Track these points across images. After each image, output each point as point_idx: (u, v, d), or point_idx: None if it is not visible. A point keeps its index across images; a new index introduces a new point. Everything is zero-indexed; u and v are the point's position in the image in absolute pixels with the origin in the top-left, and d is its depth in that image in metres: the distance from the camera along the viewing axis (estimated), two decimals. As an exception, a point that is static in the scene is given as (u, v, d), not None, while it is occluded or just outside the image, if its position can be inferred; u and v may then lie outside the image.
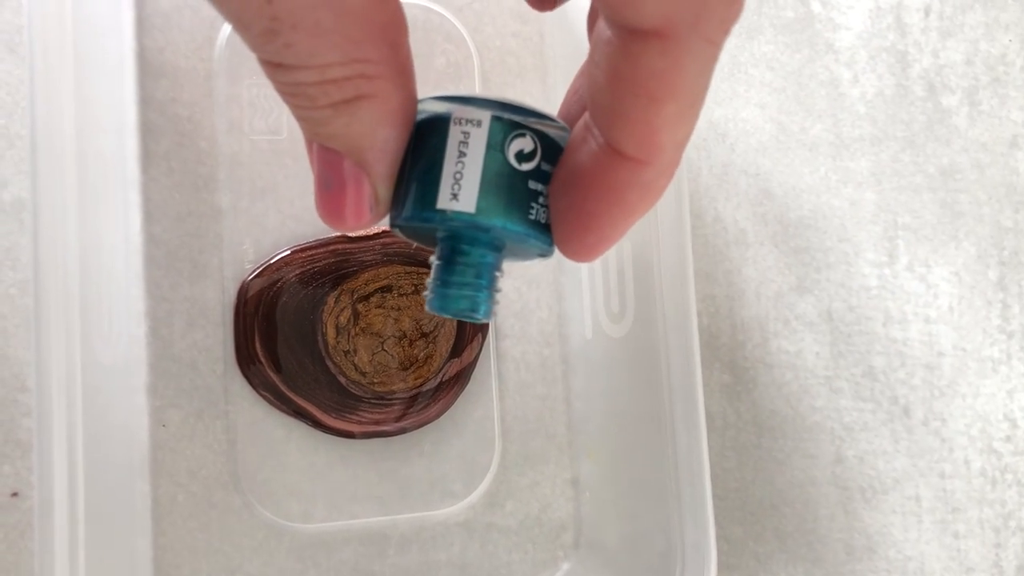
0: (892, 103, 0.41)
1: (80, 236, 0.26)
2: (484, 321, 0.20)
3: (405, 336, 0.36)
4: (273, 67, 0.16)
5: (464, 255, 0.20)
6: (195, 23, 0.34)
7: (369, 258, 0.35)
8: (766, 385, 0.39)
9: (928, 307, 0.40)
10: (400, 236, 0.20)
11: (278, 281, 0.34)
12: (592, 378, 0.36)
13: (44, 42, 0.25)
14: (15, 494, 0.32)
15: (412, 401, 0.36)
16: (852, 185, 0.40)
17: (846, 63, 0.41)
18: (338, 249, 0.35)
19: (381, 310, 0.35)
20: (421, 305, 0.36)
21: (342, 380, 0.35)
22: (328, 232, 0.35)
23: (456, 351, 0.36)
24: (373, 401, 0.35)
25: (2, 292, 0.32)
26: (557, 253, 0.20)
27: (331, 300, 0.35)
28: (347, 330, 0.35)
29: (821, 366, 0.39)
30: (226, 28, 0.35)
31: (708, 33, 0.16)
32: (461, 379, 0.36)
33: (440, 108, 0.19)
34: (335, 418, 0.35)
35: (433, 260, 0.20)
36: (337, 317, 0.35)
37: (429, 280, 0.20)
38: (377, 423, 0.35)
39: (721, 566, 0.38)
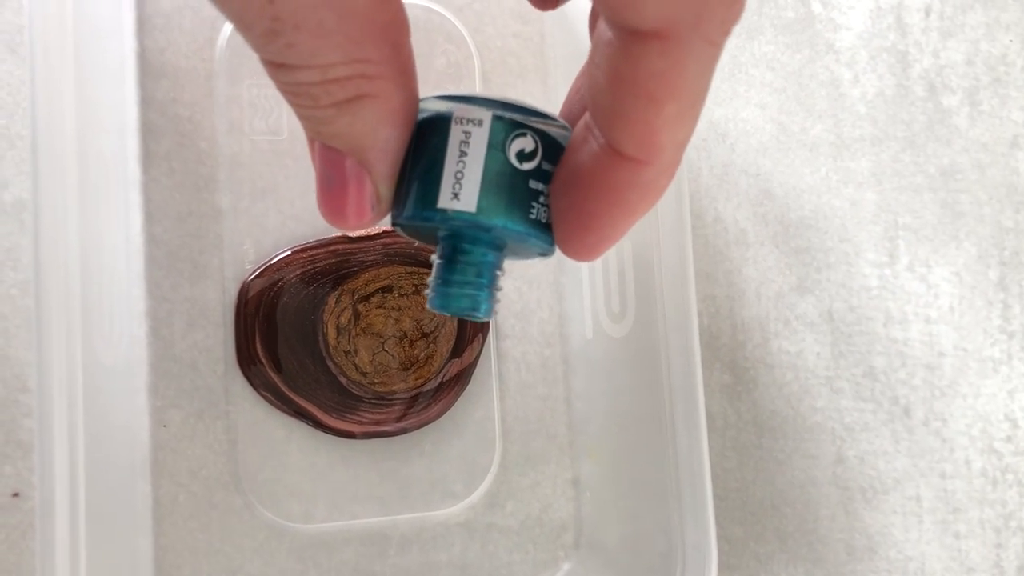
0: (893, 103, 0.41)
1: (81, 237, 0.26)
2: (485, 320, 0.20)
3: (406, 336, 0.36)
4: (275, 67, 0.16)
5: (465, 254, 0.20)
6: (196, 24, 0.34)
7: (370, 258, 0.35)
8: (767, 385, 0.39)
9: (929, 307, 0.40)
10: (402, 235, 0.21)
11: (279, 281, 0.34)
12: (593, 378, 0.36)
13: (45, 43, 0.25)
14: (16, 494, 0.32)
15: (413, 401, 0.36)
16: (853, 185, 0.40)
17: (847, 63, 0.41)
18: (339, 249, 0.35)
19: (382, 310, 0.35)
20: (422, 305, 0.36)
21: (343, 380, 0.35)
22: (329, 232, 0.35)
23: (457, 351, 0.36)
24: (374, 401, 0.35)
25: (3, 293, 0.32)
26: (558, 252, 0.20)
27: (332, 300, 0.35)
28: (348, 330, 0.35)
29: (822, 366, 0.39)
30: (227, 29, 0.35)
31: (708, 34, 0.16)
32: (462, 379, 0.36)
33: (442, 107, 0.19)
34: (336, 418, 0.35)
35: (434, 259, 0.20)
36: (338, 317, 0.35)
37: (430, 279, 0.20)
38: (378, 423, 0.35)
39: (722, 566, 0.38)
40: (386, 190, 0.19)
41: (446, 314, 0.20)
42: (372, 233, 0.35)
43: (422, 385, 0.36)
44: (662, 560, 0.31)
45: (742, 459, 0.39)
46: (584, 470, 0.37)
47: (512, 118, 0.19)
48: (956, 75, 0.41)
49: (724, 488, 0.39)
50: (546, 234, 0.19)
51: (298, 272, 0.34)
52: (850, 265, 0.40)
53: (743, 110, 0.40)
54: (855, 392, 0.40)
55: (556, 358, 0.37)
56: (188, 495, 0.34)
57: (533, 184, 0.19)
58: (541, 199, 0.19)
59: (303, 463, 0.35)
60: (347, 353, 0.35)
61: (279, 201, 0.35)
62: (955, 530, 0.40)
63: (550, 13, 0.37)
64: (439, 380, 0.36)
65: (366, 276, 0.35)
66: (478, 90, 0.37)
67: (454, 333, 0.36)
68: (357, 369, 0.35)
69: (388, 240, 0.35)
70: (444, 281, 0.20)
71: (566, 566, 0.37)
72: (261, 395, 0.34)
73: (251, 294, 0.34)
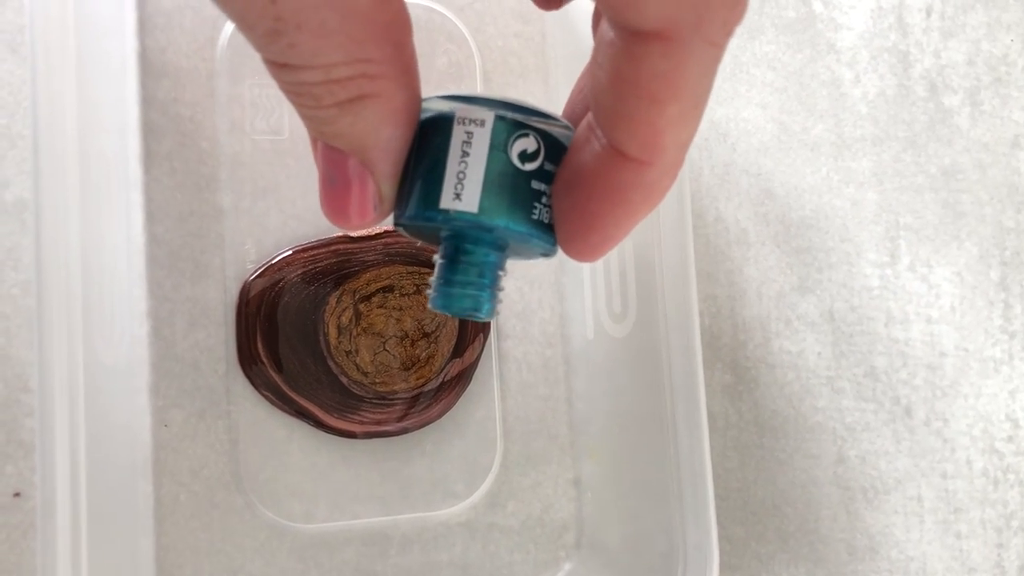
0: (894, 103, 0.41)
1: (82, 236, 0.26)
2: (487, 320, 0.20)
3: (407, 336, 0.36)
4: (278, 67, 0.16)
5: (467, 254, 0.20)
6: (197, 23, 0.34)
7: (371, 258, 0.35)
8: (768, 385, 0.39)
9: (930, 307, 0.40)
10: (404, 234, 0.21)
11: (280, 281, 0.34)
12: (594, 378, 0.36)
13: (46, 42, 0.25)
14: (17, 494, 0.32)
15: (414, 401, 0.36)
16: (854, 185, 0.40)
17: (848, 63, 0.41)
18: (340, 249, 0.35)
19: (383, 310, 0.35)
20: (423, 305, 0.36)
21: (344, 380, 0.35)
22: (330, 232, 0.35)
23: (458, 351, 0.36)
24: (375, 401, 0.35)
25: (4, 292, 0.32)
26: (560, 253, 0.20)
27: (333, 300, 0.35)
28: (349, 330, 0.35)
29: (823, 366, 0.39)
30: (228, 28, 0.35)
31: (710, 35, 0.16)
32: (463, 379, 0.36)
33: (444, 107, 0.19)
34: (337, 418, 0.35)
35: (436, 259, 0.20)
36: (339, 317, 0.35)
37: (432, 279, 0.20)
38: (379, 423, 0.35)
39: (723, 566, 0.38)
40: (389, 190, 0.19)
41: (448, 314, 0.20)
42: (373, 233, 0.35)
43: (423, 385, 0.36)
44: (663, 560, 0.31)
45: (743, 459, 0.39)
46: (585, 470, 0.37)
47: (514, 118, 0.19)
48: (957, 75, 0.41)
49: (725, 488, 0.39)
50: (548, 234, 0.19)
51: (299, 272, 0.34)
52: (851, 265, 0.40)
53: (744, 110, 0.40)
54: (856, 392, 0.40)
55: (557, 358, 0.37)
56: (189, 495, 0.34)
57: (535, 184, 0.19)
58: (543, 199, 0.19)
59: (304, 463, 0.35)
60: (348, 353, 0.35)
61: (280, 201, 0.35)
62: (956, 530, 0.40)
63: (551, 13, 0.37)
64: (440, 380, 0.36)
65: (367, 276, 0.35)
66: (479, 90, 0.37)
67: (455, 333, 0.36)
68: (358, 369, 0.35)
69: (389, 240, 0.35)
70: (446, 281, 0.20)
71: (567, 566, 0.37)
72: (262, 395, 0.34)
73: (252, 294, 0.34)
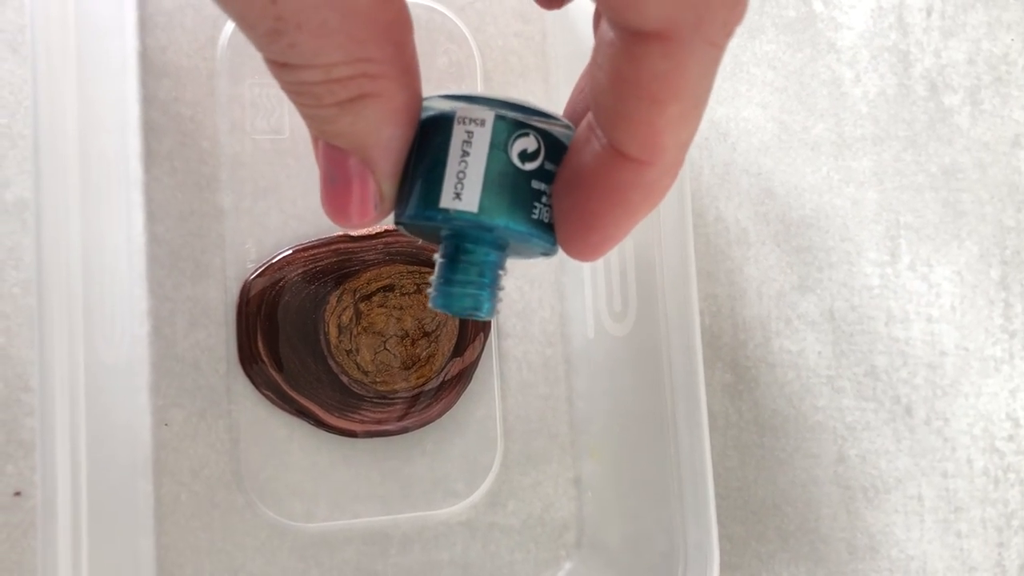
0: (894, 102, 0.41)
1: (83, 236, 0.26)
2: (487, 319, 0.20)
3: (407, 335, 0.36)
4: (278, 66, 0.16)
5: (468, 253, 0.20)
6: (198, 22, 0.34)
7: (371, 257, 0.35)
8: (768, 384, 0.39)
9: (930, 306, 0.40)
10: (405, 233, 0.21)
11: (280, 280, 0.34)
12: (594, 378, 0.36)
13: (47, 42, 0.25)
14: (18, 493, 0.32)
15: (414, 400, 0.36)
16: (854, 184, 0.40)
17: (848, 62, 0.41)
18: (340, 248, 0.35)
19: (383, 309, 0.35)
20: (423, 304, 0.36)
21: (344, 379, 0.35)
22: (330, 231, 0.35)
23: (458, 350, 0.36)
24: (375, 400, 0.35)
25: (5, 292, 0.32)
26: (560, 252, 0.20)
27: (333, 299, 0.35)
28: (349, 329, 0.35)
29: (823, 365, 0.39)
30: (228, 27, 0.35)
31: (710, 35, 0.16)
32: (463, 378, 0.36)
33: (445, 107, 0.19)
34: (337, 417, 0.35)
35: (437, 258, 0.20)
36: (339, 316, 0.35)
37: (433, 278, 0.20)
38: (379, 422, 0.35)
39: (723, 565, 0.38)
40: (389, 189, 0.19)
41: (449, 313, 0.20)
42: (373, 232, 0.35)
43: (424, 384, 0.36)
44: (664, 559, 0.31)
45: (744, 458, 0.39)
46: (586, 469, 0.37)
47: (515, 118, 0.19)
48: (957, 74, 0.41)
49: (726, 487, 0.39)
50: (548, 234, 0.19)
51: (300, 271, 0.34)
52: (851, 264, 0.40)
53: (744, 109, 0.40)
54: (856, 391, 0.40)
55: (558, 357, 0.37)
56: (190, 494, 0.34)
57: (535, 184, 0.19)
58: (543, 199, 0.19)
59: (305, 462, 0.35)
60: (349, 352, 0.35)
61: (281, 200, 0.35)
62: (957, 529, 0.40)
63: (552, 12, 0.37)
64: (441, 379, 0.36)
65: (368, 275, 0.35)
66: (480, 89, 0.37)
67: (456, 332, 0.36)
68: (359, 368, 0.35)
69: (389, 239, 0.35)
70: (447, 280, 0.20)
71: (568, 565, 0.37)
72: (263, 394, 0.34)
73: (253, 293, 0.34)
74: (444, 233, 0.20)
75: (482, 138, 0.19)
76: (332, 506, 0.35)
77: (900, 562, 0.39)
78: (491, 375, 0.37)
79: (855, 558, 0.39)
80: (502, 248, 0.20)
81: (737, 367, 0.39)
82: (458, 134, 0.19)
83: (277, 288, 0.34)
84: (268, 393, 0.34)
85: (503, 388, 0.37)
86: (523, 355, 0.37)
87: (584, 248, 0.19)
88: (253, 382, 0.34)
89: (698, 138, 0.39)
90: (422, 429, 0.36)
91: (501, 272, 0.20)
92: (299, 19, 0.15)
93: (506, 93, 0.36)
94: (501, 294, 0.20)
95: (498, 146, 0.19)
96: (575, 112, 0.21)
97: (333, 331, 0.35)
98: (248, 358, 0.34)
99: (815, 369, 0.39)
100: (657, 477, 0.31)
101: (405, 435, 0.36)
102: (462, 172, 0.18)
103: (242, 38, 0.24)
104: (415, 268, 0.35)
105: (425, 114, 0.19)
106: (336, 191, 0.18)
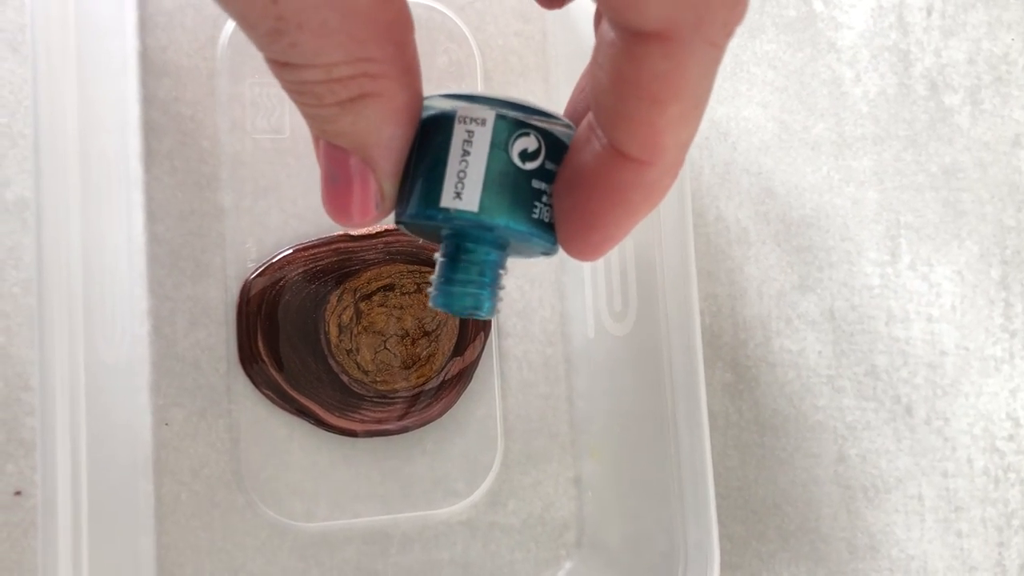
0: (894, 102, 0.41)
1: (83, 235, 0.26)
2: (488, 318, 0.20)
3: (407, 335, 0.36)
4: (279, 66, 0.17)
5: (468, 253, 0.20)
6: (198, 22, 0.34)
7: (371, 256, 0.35)
8: (768, 384, 0.39)
9: (931, 306, 0.40)
10: (406, 232, 0.21)
11: (281, 280, 0.34)
12: (595, 377, 0.36)
13: (47, 41, 0.25)
14: (18, 493, 0.32)
15: (415, 400, 0.36)
16: (854, 184, 0.40)
17: (848, 62, 0.41)
18: (340, 248, 0.35)
19: (384, 308, 0.35)
20: (423, 304, 0.36)
21: (344, 379, 0.35)
22: (331, 231, 0.35)
23: (458, 350, 0.36)
24: (375, 400, 0.35)
25: (5, 291, 0.32)
26: (560, 251, 0.20)
27: (333, 299, 0.35)
28: (349, 329, 0.35)
29: (823, 365, 0.39)
30: (229, 27, 0.35)
31: (711, 36, 0.16)
32: (463, 378, 0.36)
33: (446, 106, 0.19)
34: (338, 417, 0.35)
35: (438, 257, 0.20)
36: (340, 316, 0.35)
37: (433, 277, 0.20)
38: (379, 422, 0.35)
39: (724, 565, 0.38)
40: (390, 188, 0.19)
41: (449, 312, 0.20)
42: (374, 232, 0.35)
43: (424, 383, 0.36)
44: (664, 559, 0.31)
45: (744, 458, 0.39)
46: (586, 469, 0.37)
47: (515, 117, 0.19)
48: (958, 74, 0.41)
49: (726, 487, 0.39)
50: (549, 234, 0.19)
51: (300, 270, 0.34)
52: (852, 264, 0.40)
53: (745, 109, 0.40)
54: (857, 391, 0.40)
55: (558, 357, 0.37)
56: (190, 494, 0.34)
57: (536, 183, 0.19)
58: (544, 199, 0.19)
59: (305, 462, 0.35)
60: (349, 351, 0.35)
61: (281, 200, 0.35)
62: (957, 529, 0.40)
63: (552, 12, 0.37)
64: (441, 379, 0.36)
65: (368, 274, 0.35)
66: (480, 89, 0.37)
67: (456, 331, 0.36)
68: (359, 367, 0.35)
69: (390, 238, 0.35)
70: (447, 280, 0.20)
71: (568, 565, 0.37)
72: (263, 393, 0.34)
73: (253, 292, 0.34)
74: (445, 232, 0.20)
75: (483, 137, 0.19)
76: (332, 506, 0.35)
77: (900, 562, 0.39)
78: (491, 374, 0.37)
79: (855, 558, 0.39)
80: (503, 247, 0.20)
81: (737, 367, 0.39)
82: (459, 133, 0.19)
83: (277, 287, 0.34)
84: (268, 392, 0.34)
85: (503, 387, 0.37)
86: (523, 354, 0.37)
87: (585, 248, 0.19)
88: (253, 381, 0.34)
89: (698, 138, 0.39)
90: (422, 429, 0.36)
91: (502, 271, 0.20)
92: (300, 19, 0.16)
93: (506, 92, 0.36)
94: (502, 293, 0.20)
95: (499, 145, 0.19)
96: (576, 111, 0.21)
97: (333, 330, 0.35)
98: (248, 357, 0.34)
99: (815, 369, 0.39)
100: (657, 477, 0.31)
101: (405, 435, 0.36)
102: (463, 171, 0.18)
103: (242, 37, 0.24)
104: (415, 267, 0.35)
105: (426, 113, 0.19)
106: (337, 190, 0.18)
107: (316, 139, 0.18)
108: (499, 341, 0.37)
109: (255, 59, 0.34)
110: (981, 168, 0.41)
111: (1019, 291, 0.41)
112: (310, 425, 0.35)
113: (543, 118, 0.19)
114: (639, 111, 0.17)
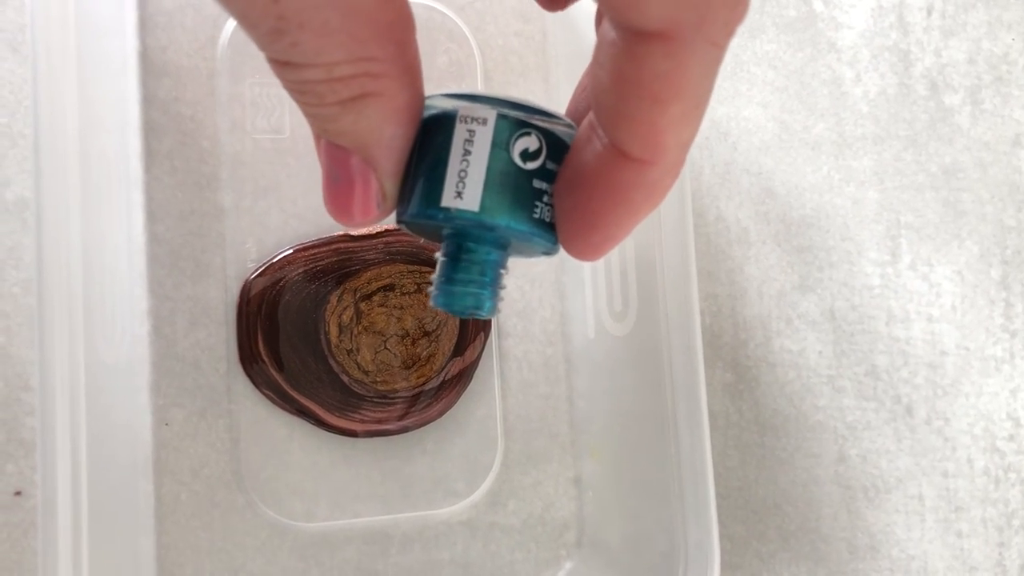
0: (894, 102, 0.41)
1: (83, 235, 0.26)
2: (488, 318, 0.20)
3: (408, 335, 0.36)
4: (280, 65, 0.17)
5: (469, 252, 0.20)
6: (198, 22, 0.34)
7: (372, 257, 0.35)
8: (769, 384, 0.39)
9: (931, 306, 0.40)
10: (407, 232, 0.21)
11: (281, 280, 0.34)
12: (595, 377, 0.36)
13: (47, 41, 0.25)
14: (18, 493, 0.32)
15: (415, 400, 0.36)
16: (855, 184, 0.40)
17: (848, 62, 0.41)
18: (341, 248, 0.35)
19: (384, 309, 0.35)
20: (424, 304, 0.36)
21: (345, 379, 0.35)
22: (331, 231, 0.35)
23: (459, 350, 0.36)
24: (376, 400, 0.35)
25: (5, 291, 0.32)
26: (561, 251, 0.20)
27: (334, 299, 0.35)
28: (350, 329, 0.35)
29: (824, 365, 0.39)
30: (229, 27, 0.34)
31: (712, 35, 0.16)
32: (464, 378, 0.36)
33: (447, 106, 0.19)
34: (338, 417, 0.35)
35: (438, 256, 0.20)
36: (340, 316, 0.35)
37: (434, 277, 0.20)
38: (380, 422, 0.35)
39: (724, 565, 0.38)
40: (391, 187, 0.19)
41: (450, 312, 0.20)
42: (374, 231, 0.35)
43: (424, 384, 0.36)
44: (664, 559, 0.31)
45: (744, 458, 0.39)
46: (586, 469, 0.37)
47: (516, 117, 0.19)
48: (958, 74, 0.41)
49: (726, 487, 0.39)
50: (549, 233, 0.19)
51: (300, 270, 0.34)
52: (852, 264, 0.40)
53: (745, 108, 0.40)
54: (857, 391, 0.40)
55: (558, 357, 0.37)
56: (190, 494, 0.34)
57: (537, 183, 0.19)
58: (545, 198, 0.19)
59: (305, 462, 0.35)
60: (349, 351, 0.35)
61: (281, 200, 0.35)
62: (957, 529, 0.40)
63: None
64: (441, 379, 0.36)
65: (368, 274, 0.35)
66: (480, 89, 0.37)
67: (456, 332, 0.36)
68: (359, 367, 0.35)
69: (390, 238, 0.35)
70: (448, 279, 0.20)
71: (568, 565, 0.37)
72: (263, 393, 0.34)
73: (253, 292, 0.34)
74: (446, 232, 0.20)
75: (484, 137, 0.19)
76: (332, 506, 0.35)
77: (901, 562, 0.39)
78: (491, 374, 0.37)
79: (856, 558, 0.39)
80: (503, 247, 0.20)
81: (738, 367, 0.39)
82: (460, 133, 0.19)
83: (278, 287, 0.34)
84: (268, 393, 0.34)
85: (503, 388, 0.37)
86: (523, 354, 0.37)
87: (585, 247, 0.19)
88: (253, 382, 0.34)
89: (699, 138, 0.39)
90: (422, 429, 0.36)
91: (502, 271, 0.20)
92: (301, 18, 0.16)
93: (506, 92, 0.36)
94: (502, 293, 0.20)
95: (500, 145, 0.19)
96: (577, 111, 0.21)
97: (334, 330, 0.35)
98: (248, 357, 0.34)
99: (816, 369, 0.39)
100: (657, 477, 0.31)
101: (405, 435, 0.36)
102: (464, 171, 0.18)
103: (242, 37, 0.24)
104: (416, 267, 0.35)
105: (427, 113, 0.19)
106: (338, 190, 0.18)
107: (317, 138, 0.18)
108: (499, 341, 0.37)
109: (255, 59, 0.34)
110: (981, 168, 0.41)
111: (1019, 291, 0.41)
112: (310, 425, 0.35)
113: (544, 118, 0.19)
114: (640, 111, 0.17)
